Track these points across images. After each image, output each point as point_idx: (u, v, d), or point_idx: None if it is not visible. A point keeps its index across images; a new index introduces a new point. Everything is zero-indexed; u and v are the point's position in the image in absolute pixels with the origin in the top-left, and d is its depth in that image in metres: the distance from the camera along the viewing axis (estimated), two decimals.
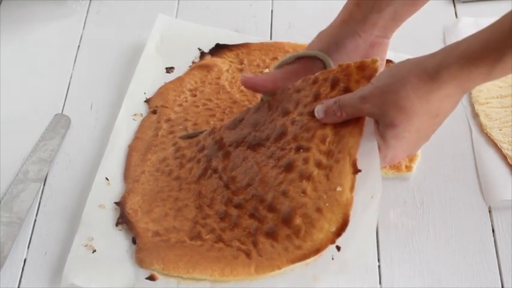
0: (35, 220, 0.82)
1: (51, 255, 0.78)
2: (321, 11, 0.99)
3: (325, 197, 0.71)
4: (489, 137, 0.87)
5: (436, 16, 1.03)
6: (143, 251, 0.75)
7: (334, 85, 0.75)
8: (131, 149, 0.86)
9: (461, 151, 0.87)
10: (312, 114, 0.75)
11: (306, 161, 0.74)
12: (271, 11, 1.06)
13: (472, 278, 0.75)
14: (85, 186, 0.84)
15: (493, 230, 0.80)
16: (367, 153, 0.72)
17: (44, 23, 1.05)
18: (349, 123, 0.73)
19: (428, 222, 0.80)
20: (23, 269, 0.78)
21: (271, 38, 1.02)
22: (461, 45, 0.66)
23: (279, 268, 0.71)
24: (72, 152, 0.89)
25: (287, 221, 0.72)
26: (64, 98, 0.96)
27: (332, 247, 0.70)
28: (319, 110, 0.74)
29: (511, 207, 0.81)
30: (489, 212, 0.81)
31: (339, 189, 0.71)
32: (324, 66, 0.79)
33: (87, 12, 1.07)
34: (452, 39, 0.98)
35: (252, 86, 0.80)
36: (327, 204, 0.71)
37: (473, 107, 0.90)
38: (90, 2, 1.08)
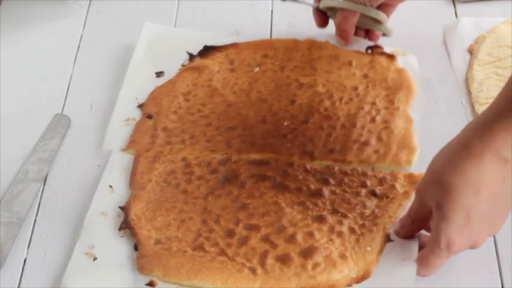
0: (35, 220, 0.82)
1: (51, 255, 0.78)
2: None
3: (352, 251, 0.74)
4: None
5: (436, 16, 1.03)
6: (144, 257, 0.75)
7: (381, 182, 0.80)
8: (138, 155, 0.85)
9: None
10: (356, 193, 0.79)
11: (340, 222, 0.76)
12: (271, 11, 1.06)
13: (472, 278, 0.75)
14: (85, 187, 0.84)
15: None
16: None
17: (44, 23, 1.05)
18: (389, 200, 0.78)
19: None
20: (23, 269, 0.77)
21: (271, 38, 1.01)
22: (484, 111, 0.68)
23: None
24: (72, 152, 0.89)
25: (306, 255, 0.73)
26: (64, 98, 0.95)
27: None
28: (396, 227, 0.75)
29: None
30: None
31: (368, 248, 0.73)
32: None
33: (87, 12, 1.07)
34: (452, 39, 0.98)
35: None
36: (353, 256, 0.73)
37: (473, 107, 0.89)
38: (90, 2, 1.08)
